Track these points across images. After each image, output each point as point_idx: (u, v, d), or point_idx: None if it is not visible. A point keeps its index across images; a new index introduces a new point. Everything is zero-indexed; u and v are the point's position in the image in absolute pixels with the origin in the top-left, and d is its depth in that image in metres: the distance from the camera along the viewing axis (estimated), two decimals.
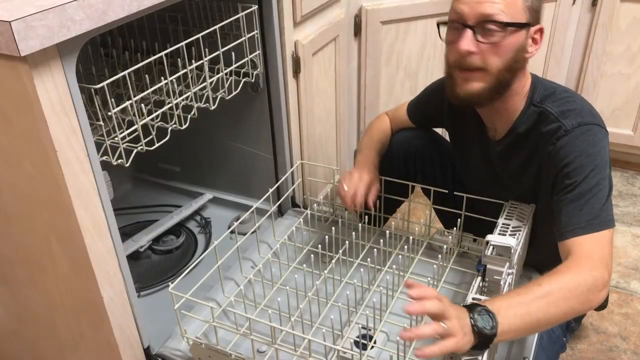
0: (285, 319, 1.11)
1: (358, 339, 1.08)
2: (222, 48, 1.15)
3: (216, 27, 1.13)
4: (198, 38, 1.08)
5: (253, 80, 1.31)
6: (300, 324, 1.11)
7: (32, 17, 0.73)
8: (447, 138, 1.39)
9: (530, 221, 1.13)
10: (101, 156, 0.95)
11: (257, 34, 1.25)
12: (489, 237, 1.06)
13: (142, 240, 1.42)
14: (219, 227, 1.52)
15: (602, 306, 1.50)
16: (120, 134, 0.99)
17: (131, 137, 1.01)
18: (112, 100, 0.96)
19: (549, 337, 1.19)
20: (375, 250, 1.25)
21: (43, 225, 0.94)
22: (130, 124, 1.01)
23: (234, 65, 1.21)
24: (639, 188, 2.10)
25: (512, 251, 1.03)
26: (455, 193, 1.26)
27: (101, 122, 0.96)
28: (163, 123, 1.09)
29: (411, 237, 1.27)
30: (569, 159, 1.03)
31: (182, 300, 1.04)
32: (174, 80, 1.07)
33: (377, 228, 1.36)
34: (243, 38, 1.21)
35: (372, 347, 1.05)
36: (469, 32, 1.03)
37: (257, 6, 1.22)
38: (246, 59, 1.25)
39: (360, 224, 1.31)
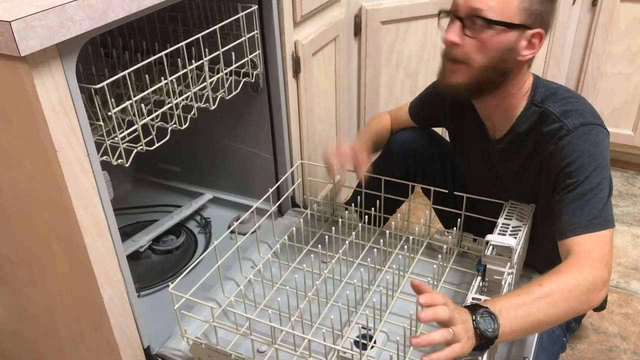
0: (285, 319, 1.11)
1: (358, 339, 1.08)
2: (222, 48, 1.15)
3: (216, 27, 1.13)
4: (198, 38, 1.08)
5: (253, 80, 1.31)
6: (300, 324, 1.11)
7: (32, 17, 0.73)
8: (447, 138, 1.40)
9: (530, 221, 1.13)
10: (101, 156, 0.95)
11: (257, 34, 1.25)
12: (489, 237, 1.06)
13: (142, 240, 1.42)
14: (219, 227, 1.52)
15: (601, 307, 1.50)
16: (120, 134, 0.99)
17: (131, 137, 1.01)
18: (112, 100, 0.96)
19: (549, 337, 1.19)
20: (375, 250, 1.25)
21: (43, 225, 0.94)
22: (130, 124, 1.01)
23: (234, 65, 1.21)
24: (639, 188, 2.10)
25: (512, 251, 1.03)
26: (455, 193, 1.26)
27: (101, 122, 0.96)
28: (163, 123, 1.09)
29: (411, 237, 1.27)
30: (570, 158, 1.03)
31: (182, 300, 1.04)
32: (174, 80, 1.07)
33: (377, 228, 1.36)
34: (243, 38, 1.21)
35: (372, 347, 1.05)
36: (457, 24, 1.03)
37: (257, 6, 1.22)
38: (246, 59, 1.25)
39: (360, 224, 1.31)
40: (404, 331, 0.93)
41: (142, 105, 1.03)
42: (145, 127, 1.03)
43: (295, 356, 1.00)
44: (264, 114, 1.40)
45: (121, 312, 1.02)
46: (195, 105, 1.14)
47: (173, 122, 1.09)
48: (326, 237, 1.27)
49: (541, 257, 1.17)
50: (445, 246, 1.27)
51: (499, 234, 1.09)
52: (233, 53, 1.19)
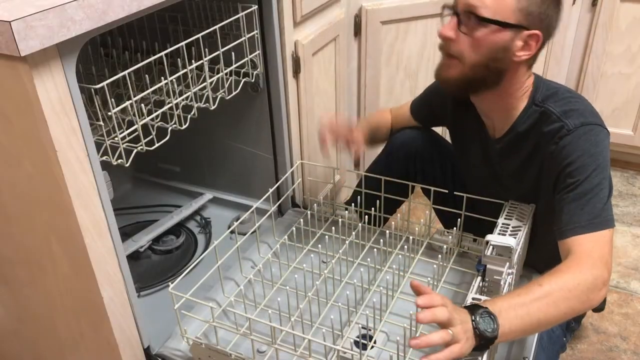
0: (285, 319, 1.11)
1: (358, 339, 1.08)
2: (222, 48, 1.15)
3: (216, 27, 1.13)
4: (198, 38, 1.08)
5: (253, 80, 1.31)
6: (300, 324, 1.11)
7: (32, 17, 0.73)
8: (448, 138, 1.40)
9: (530, 221, 1.13)
10: (101, 156, 0.95)
11: (257, 34, 1.25)
12: (489, 237, 1.06)
13: (142, 240, 1.42)
14: (219, 227, 1.52)
15: (600, 308, 1.50)
16: (120, 134, 0.99)
17: (131, 137, 1.01)
18: (112, 100, 0.96)
19: (549, 337, 1.19)
20: (375, 250, 1.25)
21: (43, 225, 0.94)
22: (130, 124, 1.01)
23: (234, 65, 1.21)
24: (639, 188, 2.10)
25: (512, 251, 1.03)
26: (455, 193, 1.26)
27: (101, 122, 0.96)
28: (163, 123, 1.09)
29: (411, 237, 1.27)
30: (571, 158, 1.03)
31: (182, 300, 1.04)
32: (174, 80, 1.07)
33: (377, 228, 1.36)
34: (243, 38, 1.21)
35: (372, 347, 1.05)
36: (454, 19, 1.04)
37: (257, 6, 1.22)
38: (246, 59, 1.25)
39: (360, 224, 1.31)
40: (404, 331, 0.93)
41: (142, 105, 1.03)
42: (145, 127, 1.03)
43: (295, 356, 1.00)
44: (264, 114, 1.40)
45: (121, 312, 1.02)
46: (195, 105, 1.14)
47: (173, 122, 1.09)
48: (326, 237, 1.27)
49: (541, 257, 1.17)
50: (445, 246, 1.27)
51: (499, 234, 1.09)
52: (233, 53, 1.19)
